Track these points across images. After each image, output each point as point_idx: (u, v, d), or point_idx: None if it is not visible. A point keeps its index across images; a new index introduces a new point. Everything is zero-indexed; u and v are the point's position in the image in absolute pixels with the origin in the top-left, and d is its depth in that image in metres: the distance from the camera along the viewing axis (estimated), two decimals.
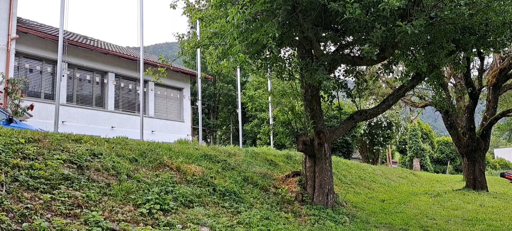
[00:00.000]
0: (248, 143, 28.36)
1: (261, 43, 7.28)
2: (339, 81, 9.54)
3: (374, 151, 22.71)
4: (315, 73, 7.56)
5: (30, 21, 19.02)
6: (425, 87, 18.64)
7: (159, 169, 7.20)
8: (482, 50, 11.88)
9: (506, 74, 16.17)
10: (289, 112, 9.76)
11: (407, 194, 13.95)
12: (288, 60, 10.03)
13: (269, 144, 15.18)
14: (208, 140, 35.24)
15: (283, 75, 9.46)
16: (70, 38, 18.14)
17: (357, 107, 9.73)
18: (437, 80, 10.47)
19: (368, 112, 9.91)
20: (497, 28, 7.83)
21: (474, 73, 17.27)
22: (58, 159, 5.83)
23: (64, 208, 4.61)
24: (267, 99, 17.97)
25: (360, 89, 9.89)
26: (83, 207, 4.84)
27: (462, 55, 11.38)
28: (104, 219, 4.69)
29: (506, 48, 12.57)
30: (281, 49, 9.79)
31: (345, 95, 9.93)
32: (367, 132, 21.51)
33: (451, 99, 17.26)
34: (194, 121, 28.88)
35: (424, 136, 38.37)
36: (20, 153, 5.59)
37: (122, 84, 20.65)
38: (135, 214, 5.15)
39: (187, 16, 10.10)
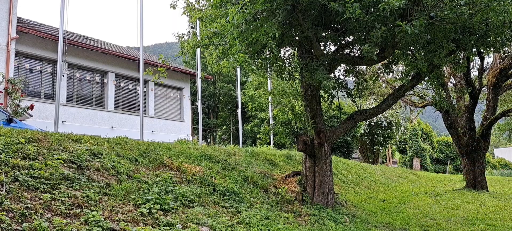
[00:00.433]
0: (248, 143, 28.37)
1: (261, 43, 7.29)
2: (339, 81, 9.54)
3: (374, 150, 22.70)
4: (315, 73, 7.56)
5: (30, 21, 19.02)
6: (425, 87, 18.63)
7: (159, 168, 7.20)
8: (482, 50, 11.88)
9: (506, 74, 16.16)
10: (289, 112, 9.76)
11: (407, 194, 13.95)
12: (288, 60, 10.04)
13: (269, 143, 15.18)
14: (208, 140, 35.25)
15: (283, 75, 9.46)
16: (70, 38, 18.14)
17: (357, 107, 9.74)
18: (437, 80, 10.47)
19: (368, 112, 9.91)
20: (497, 28, 7.82)
21: (474, 73, 17.28)
22: (58, 159, 5.83)
23: (64, 208, 4.61)
24: (267, 99, 17.98)
25: (360, 89, 9.89)
26: (83, 207, 4.84)
27: (462, 55, 11.37)
28: (104, 219, 4.70)
29: (506, 48, 12.57)
30: (281, 49, 9.80)
31: (345, 95, 9.93)
32: (367, 131, 21.50)
33: (451, 99, 17.24)
34: (194, 120, 28.90)
35: (424, 135, 38.37)
36: (20, 153, 5.59)
37: (122, 84, 20.66)
38: (135, 214, 5.15)
39: (187, 16, 10.10)
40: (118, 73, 20.34)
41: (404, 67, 10.20)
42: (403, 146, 37.10)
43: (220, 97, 35.45)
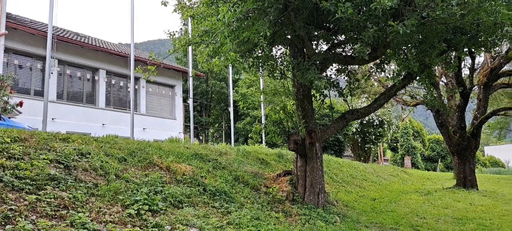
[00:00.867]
0: (241, 141, 28.28)
1: (253, 42, 7.23)
2: (331, 80, 9.51)
3: (366, 149, 22.78)
4: (306, 73, 7.52)
5: (20, 17, 18.75)
6: (416, 86, 18.71)
7: (149, 168, 7.11)
8: (473, 50, 11.93)
9: (497, 73, 16.29)
10: (281, 111, 9.72)
11: (398, 193, 14.01)
12: (280, 59, 9.98)
13: (261, 142, 15.10)
14: (200, 138, 35.10)
15: (275, 74, 9.41)
16: (61, 35, 17.92)
17: (349, 107, 9.72)
18: (429, 79, 10.48)
19: (360, 111, 9.90)
20: (488, 28, 7.82)
21: (465, 72, 17.37)
22: (44, 159, 5.73)
23: (49, 210, 4.52)
24: (259, 97, 17.93)
25: (352, 89, 9.87)
26: (69, 208, 4.76)
27: (453, 54, 11.41)
28: (91, 220, 4.62)
29: (497, 48, 12.62)
30: (273, 48, 9.75)
31: (337, 94, 9.90)
32: (359, 130, 21.55)
33: (442, 98, 17.34)
34: (186, 118, 28.76)
35: (415, 134, 38.60)
36: (5, 153, 5.48)
37: (113, 81, 20.48)
38: (123, 215, 5.07)
39: (178, 13, 10.00)
40: (110, 70, 20.15)
41: (396, 66, 10.21)
42: (395, 144, 37.30)
43: (213, 95, 35.31)
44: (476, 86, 17.24)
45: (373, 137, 22.66)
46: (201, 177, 7.52)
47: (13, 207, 4.27)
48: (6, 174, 4.87)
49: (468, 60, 16.89)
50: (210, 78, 33.94)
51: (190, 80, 16.93)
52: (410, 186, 17.08)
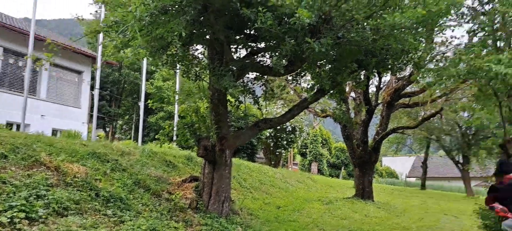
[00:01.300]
0: (151, 136, 27.04)
1: (167, 39, 6.77)
2: (247, 87, 9.36)
3: (277, 153, 23.29)
4: (222, 79, 7.24)
5: None
6: (328, 98, 19.48)
7: (33, 168, 6.25)
8: (381, 71, 12.68)
9: (399, 94, 17.61)
10: (193, 114, 9.32)
11: (302, 200, 14.39)
12: (196, 60, 9.53)
13: (171, 140, 14.39)
14: (107, 130, 32.94)
15: (190, 75, 8.98)
16: None
17: (263, 116, 9.65)
18: (339, 95, 10.87)
19: (273, 121, 9.90)
20: (396, 53, 8.27)
21: (372, 89, 18.50)
22: None
23: None
24: (174, 95, 17.27)
25: (267, 98, 9.83)
26: None
27: (363, 73, 12.00)
28: None
29: (402, 72, 13.58)
30: (191, 47, 9.29)
31: (252, 101, 9.78)
32: (272, 135, 21.94)
33: (350, 111, 18.27)
34: (93, 107, 26.78)
35: (323, 141, 40.55)
36: None
37: (11, 61, 18.24)
38: None
39: None
40: (7, 48, 17.88)
41: (311, 80, 10.41)
42: (304, 150, 38.80)
43: (125, 85, 33.36)
44: (380, 104, 18.45)
45: (285, 142, 23.22)
46: (95, 180, 6.81)
47: None
48: None
49: (375, 78, 18.01)
50: (124, 67, 32.01)
51: (98, 71, 15.66)
52: (314, 193, 17.71)
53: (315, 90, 10.04)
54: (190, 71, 8.86)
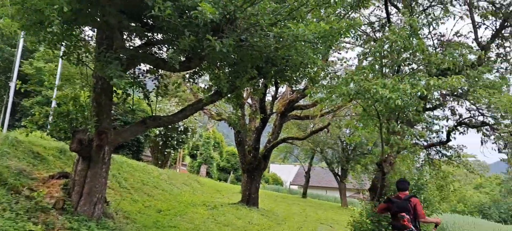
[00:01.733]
0: (24, 122, 23.64)
1: (45, 13, 5.71)
2: (138, 79, 8.49)
3: (166, 153, 22.28)
4: (107, 67, 6.36)
5: None
6: (225, 101, 19.24)
7: None
8: (279, 81, 12.81)
9: (292, 105, 18.20)
10: (71, 102, 8.15)
11: (186, 204, 13.82)
12: (83, 42, 8.34)
13: (41, 128, 12.45)
14: None
15: (71, 58, 7.80)
16: None
17: (152, 112, 8.86)
18: (237, 100, 10.62)
19: (163, 119, 9.18)
20: (295, 66, 8.26)
21: (268, 98, 18.80)
22: None
23: None
24: (53, 79, 15.26)
25: (159, 94, 9.07)
26: None
27: (261, 81, 11.96)
28: None
29: (298, 85, 13.94)
30: (76, 27, 8.09)
31: (142, 96, 8.92)
32: (162, 133, 20.87)
33: (245, 117, 18.31)
34: None
35: (216, 144, 40.42)
36: None
37: None
38: None
39: None
40: None
41: (209, 81, 9.97)
42: (195, 152, 38.17)
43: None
44: (274, 113, 18.84)
45: (176, 142, 22.33)
46: None
47: None
48: None
49: (273, 88, 18.33)
50: None
51: None
52: (200, 197, 17.26)
53: (212, 92, 9.62)
54: (72, 54, 7.69)
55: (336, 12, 10.02)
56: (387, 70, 10.13)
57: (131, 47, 8.03)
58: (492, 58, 11.65)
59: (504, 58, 11.76)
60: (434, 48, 10.95)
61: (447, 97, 10.88)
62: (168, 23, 6.27)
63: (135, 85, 8.19)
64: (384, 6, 11.77)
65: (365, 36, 11.57)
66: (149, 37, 8.18)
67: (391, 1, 11.65)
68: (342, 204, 30.10)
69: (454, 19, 11.65)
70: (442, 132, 10.62)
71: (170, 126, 20.02)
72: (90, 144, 7.61)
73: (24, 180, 7.36)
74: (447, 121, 10.96)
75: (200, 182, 21.98)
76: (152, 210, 11.04)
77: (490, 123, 10.52)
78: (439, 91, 10.23)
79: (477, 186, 54.60)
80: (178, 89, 20.24)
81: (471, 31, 11.68)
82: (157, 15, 5.66)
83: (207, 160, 37.33)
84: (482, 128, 10.74)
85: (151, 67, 9.00)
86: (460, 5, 11.76)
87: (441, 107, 11.13)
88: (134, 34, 7.87)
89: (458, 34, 11.99)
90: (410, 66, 10.24)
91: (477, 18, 11.56)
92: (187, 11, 6.28)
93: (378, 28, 11.51)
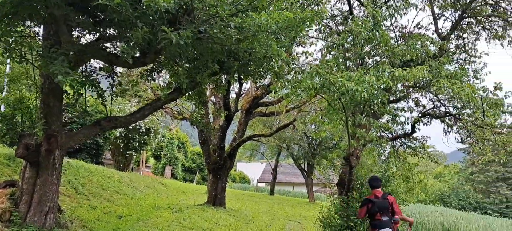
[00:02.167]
0: None
1: None
2: (90, 78, 7.89)
3: (127, 155, 21.39)
4: (52, 63, 5.77)
5: None
6: (186, 99, 18.70)
7: None
8: (242, 77, 12.48)
9: (257, 102, 17.91)
10: (15, 104, 7.45)
11: (149, 208, 13.23)
12: (28, 38, 7.63)
13: None
14: None
15: (14, 56, 7.10)
16: None
17: (107, 113, 8.28)
18: (198, 97, 10.21)
19: (119, 119, 8.60)
20: (258, 59, 7.95)
21: (232, 95, 18.45)
22: None
23: None
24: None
25: (114, 93, 8.50)
26: None
27: (224, 77, 11.60)
28: None
29: (262, 80, 13.68)
30: (19, 22, 7.37)
31: (95, 95, 8.32)
32: (123, 135, 20.00)
33: (209, 116, 17.84)
34: None
35: (180, 145, 39.56)
36: None
37: None
38: None
39: None
40: None
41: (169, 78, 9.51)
42: (159, 153, 37.19)
43: None
44: (239, 111, 18.49)
45: (137, 144, 21.48)
46: None
47: None
48: None
49: (236, 85, 17.98)
50: None
51: None
52: (164, 199, 16.66)
53: (172, 89, 9.14)
54: (14, 51, 6.99)
55: (299, 3, 9.83)
56: (351, 63, 10.03)
57: (79, 42, 7.42)
58: (452, 50, 11.84)
59: (463, 49, 11.98)
60: (396, 40, 10.96)
61: (411, 88, 10.93)
62: (119, 14, 5.77)
63: (87, 84, 7.61)
64: None
65: (328, 29, 11.43)
66: (103, 33, 7.60)
67: None
68: (309, 199, 30.21)
69: (416, 10, 11.75)
70: (407, 124, 10.65)
71: (130, 127, 19.19)
72: (37, 149, 6.98)
73: None
74: (411, 112, 11.02)
75: (164, 184, 21.29)
76: (112, 217, 10.41)
77: (453, 113, 10.66)
78: (402, 83, 10.23)
79: (437, 175, 56.75)
80: (138, 89, 19.54)
81: (431, 23, 11.85)
82: (105, 5, 5.17)
83: (172, 161, 36.46)
84: (445, 118, 10.87)
85: (105, 64, 8.43)
86: None
87: (405, 99, 11.19)
88: (83, 29, 7.26)
89: (419, 26, 12.12)
90: (374, 59, 10.18)
91: (437, 10, 11.71)
92: (139, 1, 5.82)
93: (340, 21, 11.39)
